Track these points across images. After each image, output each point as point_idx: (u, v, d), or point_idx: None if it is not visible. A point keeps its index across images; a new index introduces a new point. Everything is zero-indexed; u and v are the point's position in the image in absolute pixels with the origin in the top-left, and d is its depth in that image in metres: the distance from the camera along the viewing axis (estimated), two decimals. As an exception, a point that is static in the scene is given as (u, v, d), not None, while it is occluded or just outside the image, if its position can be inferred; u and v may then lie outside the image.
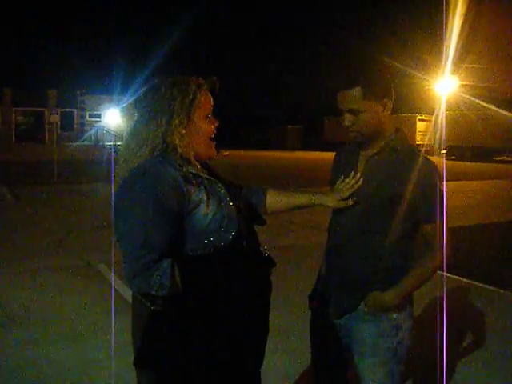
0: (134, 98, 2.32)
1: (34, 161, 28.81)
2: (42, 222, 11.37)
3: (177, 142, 2.15)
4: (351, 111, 2.52)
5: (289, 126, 56.60)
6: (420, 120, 39.18)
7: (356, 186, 2.49)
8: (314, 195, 2.58)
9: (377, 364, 2.57)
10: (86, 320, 5.57)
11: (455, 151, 36.09)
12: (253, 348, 2.26)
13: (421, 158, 2.51)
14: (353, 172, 2.55)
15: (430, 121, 38.38)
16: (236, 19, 70.85)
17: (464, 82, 34.95)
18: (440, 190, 2.51)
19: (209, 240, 2.10)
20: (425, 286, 2.59)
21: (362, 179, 2.51)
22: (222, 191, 2.18)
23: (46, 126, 42.11)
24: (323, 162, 34.47)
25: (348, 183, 2.51)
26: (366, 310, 2.54)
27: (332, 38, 62.12)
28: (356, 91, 2.49)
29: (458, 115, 36.46)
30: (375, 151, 2.58)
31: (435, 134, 34.84)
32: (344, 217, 2.60)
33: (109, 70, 42.49)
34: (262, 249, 2.28)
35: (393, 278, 2.53)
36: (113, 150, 37.24)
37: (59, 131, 41.27)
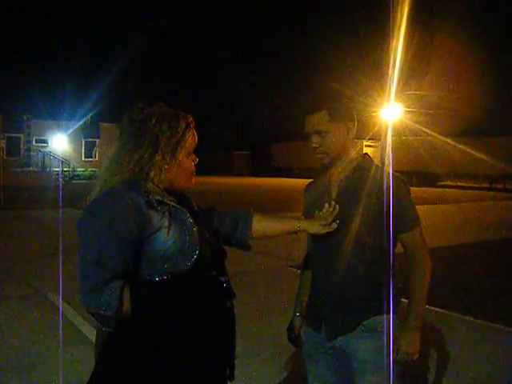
0: (120, 124, 2.32)
1: (-21, 187, 28.20)
2: (-12, 249, 11.12)
3: (152, 174, 2.18)
4: (318, 132, 2.64)
5: (236, 152, 56.83)
6: (366, 146, 39.85)
7: (335, 213, 2.51)
8: (299, 222, 2.59)
9: (379, 380, 2.60)
10: (36, 349, 5.46)
11: (403, 176, 36.48)
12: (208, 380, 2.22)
13: (389, 174, 2.63)
14: (329, 202, 2.58)
15: (376, 146, 39.07)
16: (183, 46, 71.04)
17: (409, 109, 35.75)
18: (411, 199, 2.68)
19: (167, 266, 2.10)
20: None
21: (337, 205, 2.53)
22: (189, 219, 2.18)
23: (-9, 152, 41.32)
24: (272, 187, 34.62)
25: (328, 211, 2.52)
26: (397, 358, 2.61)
27: (278, 64, 62.75)
28: (323, 114, 2.64)
29: (404, 141, 37.22)
30: (346, 173, 2.70)
31: (382, 159, 35.45)
32: (328, 240, 2.63)
33: (56, 95, 41.93)
34: (223, 279, 2.26)
35: (382, 292, 2.61)
36: (60, 175, 36.78)
37: (5, 156, 40.49)
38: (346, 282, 2.63)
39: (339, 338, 2.66)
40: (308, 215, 2.79)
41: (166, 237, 2.10)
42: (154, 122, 2.22)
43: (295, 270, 9.28)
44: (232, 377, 2.37)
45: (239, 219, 2.62)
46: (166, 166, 2.19)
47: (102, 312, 2.01)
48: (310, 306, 2.87)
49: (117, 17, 72.95)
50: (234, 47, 69.37)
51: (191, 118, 2.31)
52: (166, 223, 2.11)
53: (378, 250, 2.62)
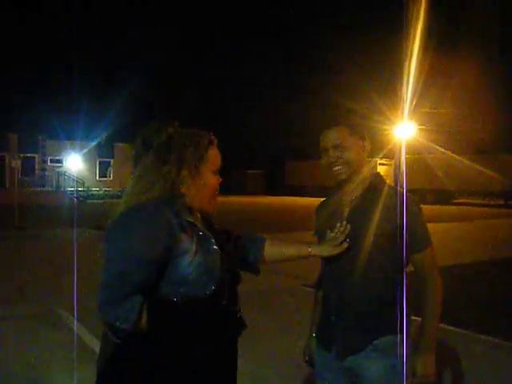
0: (141, 143, 2.37)
1: (-6, 206, 28.39)
2: (3, 268, 11.17)
3: (184, 191, 2.22)
4: (336, 147, 2.64)
5: (249, 171, 56.89)
6: (380, 164, 39.76)
7: (346, 232, 2.53)
8: (310, 246, 2.61)
9: None
10: (49, 369, 5.45)
11: (416, 195, 36.36)
12: None
13: (402, 194, 2.62)
14: (341, 221, 2.59)
15: (390, 165, 38.96)
16: (197, 64, 71.56)
17: (422, 127, 35.71)
18: (423, 219, 2.66)
19: (185, 289, 2.11)
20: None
21: (348, 225, 2.55)
22: (214, 247, 2.19)
23: (7, 171, 41.60)
24: (285, 206, 34.60)
25: (339, 230, 2.54)
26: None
27: (291, 81, 63.00)
28: (342, 129, 2.65)
29: (418, 159, 37.13)
30: (358, 193, 2.69)
31: (395, 177, 35.36)
32: (340, 260, 2.62)
33: (70, 115, 42.29)
34: (236, 309, 2.29)
35: (395, 311, 2.58)
36: (74, 195, 36.98)
37: (20, 176, 40.79)
38: (357, 301, 2.62)
39: (350, 358, 2.63)
40: (319, 235, 2.80)
41: (189, 262, 2.10)
42: (178, 138, 2.27)
43: (309, 289, 9.24)
44: None
45: (252, 243, 2.64)
46: (191, 182, 2.22)
47: (117, 324, 2.03)
48: (321, 325, 2.85)
49: (132, 38, 73.69)
50: (246, 64, 69.75)
51: (213, 137, 2.34)
52: (193, 248, 2.12)
53: (390, 270, 2.61)
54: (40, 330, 6.79)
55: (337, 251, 2.55)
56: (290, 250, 2.69)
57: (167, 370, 2.09)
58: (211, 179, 2.29)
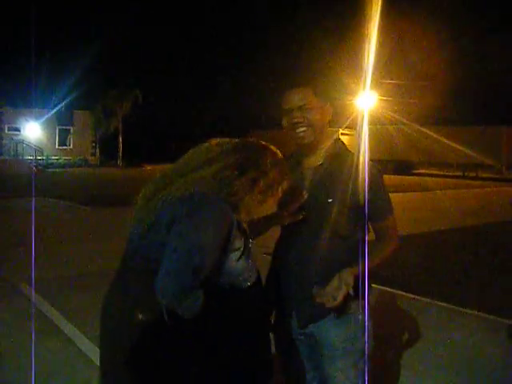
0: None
1: (-50, 175, 27.77)
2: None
3: (239, 207, 2.29)
4: (300, 108, 2.55)
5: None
6: (342, 134, 39.74)
7: (303, 201, 2.56)
8: None
9: (349, 366, 2.59)
10: (6, 341, 5.37)
11: (378, 165, 36.73)
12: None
13: (365, 162, 2.60)
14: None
15: (352, 135, 39.13)
16: (159, 34, 70.53)
17: (384, 97, 35.87)
18: (386, 189, 2.64)
19: (231, 280, 2.29)
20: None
21: (306, 194, 2.56)
22: (251, 247, 2.42)
23: (-38, 140, 40.75)
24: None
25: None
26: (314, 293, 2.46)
27: (253, 51, 62.64)
28: (306, 89, 2.56)
29: (379, 130, 37.40)
30: (320, 161, 2.64)
31: (358, 147, 35.49)
32: (302, 229, 2.62)
33: (29, 82, 41.39)
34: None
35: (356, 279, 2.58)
36: (33, 164, 36.38)
37: (-24, 145, 39.99)
38: (318, 271, 2.60)
39: (310, 325, 2.64)
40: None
41: (238, 257, 2.29)
42: (264, 160, 2.33)
43: (270, 257, 9.28)
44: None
45: None
46: (250, 201, 2.31)
47: (180, 312, 2.14)
48: (280, 294, 2.81)
49: (91, 3, 72.21)
50: (210, 36, 69.08)
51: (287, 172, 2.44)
52: (242, 247, 2.30)
53: (352, 239, 2.60)
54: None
55: (292, 220, 2.61)
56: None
57: (214, 350, 2.24)
58: (269, 209, 2.52)
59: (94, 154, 47.50)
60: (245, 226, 2.37)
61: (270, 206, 2.45)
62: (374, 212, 2.58)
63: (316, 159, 2.66)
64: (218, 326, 2.25)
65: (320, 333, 2.63)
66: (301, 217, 2.56)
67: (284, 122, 2.63)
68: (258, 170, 2.29)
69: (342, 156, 2.64)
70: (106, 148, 46.36)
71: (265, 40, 63.63)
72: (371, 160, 2.63)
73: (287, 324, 2.74)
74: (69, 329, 5.62)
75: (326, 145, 2.65)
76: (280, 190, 2.38)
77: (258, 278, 2.44)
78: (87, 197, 18.91)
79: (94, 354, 4.81)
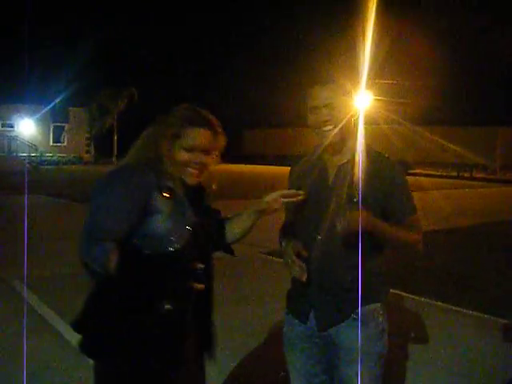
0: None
1: None
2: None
3: (163, 158, 2.43)
4: (329, 106, 2.49)
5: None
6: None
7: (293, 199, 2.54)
8: (250, 205, 2.71)
9: (365, 369, 2.54)
10: (-2, 338, 5.34)
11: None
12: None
13: (390, 162, 2.57)
14: (325, 187, 2.55)
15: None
16: (155, 31, 70.46)
17: (378, 97, 35.91)
18: (409, 188, 2.62)
19: (153, 243, 2.35)
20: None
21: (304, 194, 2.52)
22: (188, 213, 2.43)
23: (-44, 136, 40.56)
24: (244, 174, 34.71)
25: (288, 194, 2.57)
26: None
27: (250, 50, 62.62)
28: (334, 87, 2.51)
29: (375, 129, 37.44)
30: (345, 160, 2.57)
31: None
32: (323, 232, 2.55)
33: (24, 78, 41.24)
34: (200, 266, 2.42)
35: (376, 283, 2.59)
36: (27, 161, 36.29)
37: (-30, 141, 39.83)
38: (340, 273, 2.55)
39: (330, 329, 2.59)
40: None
41: (162, 220, 2.34)
42: (171, 116, 2.50)
43: (266, 256, 9.27)
44: (212, 355, 2.74)
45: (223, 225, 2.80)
46: (168, 154, 2.43)
47: (90, 264, 2.28)
48: (294, 294, 2.77)
49: (88, 1, 72.09)
50: (206, 33, 69.02)
51: (197, 115, 2.53)
52: (166, 210, 2.35)
53: (375, 239, 2.50)
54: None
55: (278, 205, 2.58)
56: (239, 219, 2.77)
57: (131, 312, 2.31)
58: (180, 156, 2.44)
59: (88, 152, 47.44)
60: (177, 190, 2.41)
61: (179, 155, 2.46)
62: (398, 211, 2.55)
63: (341, 157, 2.59)
64: (136, 286, 2.32)
65: (338, 336, 2.58)
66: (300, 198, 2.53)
67: (310, 119, 2.56)
68: (167, 123, 2.47)
69: (367, 154, 2.56)
70: (101, 145, 46.28)
71: (258, 40, 63.66)
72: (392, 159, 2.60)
73: (301, 327, 2.69)
74: (61, 326, 5.60)
75: (352, 143, 2.57)
76: (185, 133, 2.45)
77: (191, 245, 2.42)
78: (81, 194, 18.81)
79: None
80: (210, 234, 2.63)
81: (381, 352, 2.60)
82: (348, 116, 2.52)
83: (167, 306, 2.31)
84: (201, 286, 2.41)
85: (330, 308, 2.58)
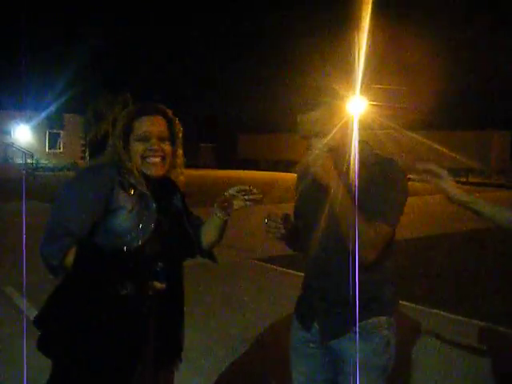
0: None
1: None
2: None
3: (121, 157, 2.46)
4: (318, 134, 2.41)
5: (201, 144, 56.43)
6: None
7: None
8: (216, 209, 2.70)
9: (368, 382, 2.50)
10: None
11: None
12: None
13: (393, 166, 2.49)
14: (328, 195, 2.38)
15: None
16: (150, 36, 70.46)
17: (373, 102, 35.93)
18: (402, 195, 2.48)
19: (114, 240, 2.39)
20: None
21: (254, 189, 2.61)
22: (153, 208, 2.45)
23: (-48, 143, 40.43)
24: (238, 179, 34.69)
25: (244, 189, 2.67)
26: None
27: (244, 56, 62.69)
28: (322, 112, 2.43)
29: (369, 135, 37.50)
30: (345, 166, 2.46)
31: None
32: (326, 241, 2.51)
33: (19, 85, 41.21)
34: (160, 264, 2.39)
35: (383, 292, 2.55)
36: (23, 168, 36.20)
37: (-35, 148, 39.71)
38: (344, 284, 2.46)
39: (332, 340, 2.57)
40: (300, 205, 2.72)
41: (124, 217, 2.38)
42: (110, 111, 2.73)
43: (260, 263, 9.26)
44: (179, 358, 2.67)
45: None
46: (123, 150, 2.47)
47: (48, 260, 2.32)
48: (300, 301, 2.75)
49: (82, 7, 72.04)
50: (201, 39, 69.06)
51: (144, 106, 2.55)
52: (130, 206, 2.38)
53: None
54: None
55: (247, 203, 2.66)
56: (207, 224, 2.76)
57: (87, 308, 2.38)
58: (135, 146, 2.47)
59: (83, 158, 47.31)
60: (140, 186, 2.44)
61: (134, 147, 2.50)
62: (372, 207, 2.38)
63: (341, 162, 2.48)
64: (92, 282, 2.38)
65: (342, 348, 2.54)
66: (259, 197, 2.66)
67: (305, 145, 2.48)
68: (118, 121, 2.52)
69: (365, 157, 2.49)
70: (96, 151, 46.01)
71: (255, 45, 63.76)
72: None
73: (305, 335, 2.67)
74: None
75: (348, 149, 2.47)
76: (136, 125, 2.48)
77: (155, 240, 2.45)
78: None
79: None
80: (180, 233, 2.61)
81: (385, 365, 2.55)
82: (340, 135, 2.44)
83: (124, 291, 2.34)
84: (160, 286, 2.37)
85: (332, 319, 2.56)
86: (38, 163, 41.55)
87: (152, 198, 2.46)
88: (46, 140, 47.17)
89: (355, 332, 2.49)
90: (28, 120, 42.82)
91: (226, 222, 2.71)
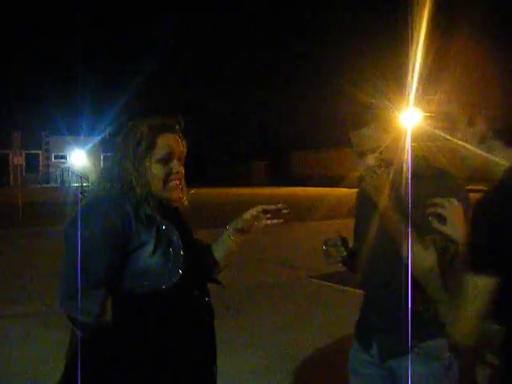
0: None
1: (-2, 204, 28.28)
2: (6, 266, 11.07)
3: (133, 183, 2.14)
4: (374, 150, 2.36)
5: (255, 162, 56.66)
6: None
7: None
8: (227, 229, 2.47)
9: None
10: (50, 369, 5.30)
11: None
12: None
13: (452, 181, 2.41)
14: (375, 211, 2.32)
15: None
16: (199, 56, 71.46)
17: (427, 114, 35.47)
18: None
19: (148, 281, 2.08)
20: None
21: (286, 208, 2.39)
22: (175, 237, 2.16)
23: (11, 169, 41.58)
24: (292, 196, 34.74)
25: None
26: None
27: (295, 72, 62.88)
28: (376, 127, 2.38)
29: (423, 147, 36.91)
30: (400, 179, 2.38)
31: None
32: (385, 255, 2.40)
33: (74, 110, 42.20)
34: (206, 298, 2.26)
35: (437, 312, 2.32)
36: (78, 191, 36.91)
37: (24, 173, 40.78)
38: (402, 302, 2.35)
39: (391, 360, 2.46)
40: (357, 224, 2.63)
41: (150, 253, 2.07)
42: (122, 133, 2.27)
43: (317, 281, 9.12)
44: None
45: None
46: (136, 173, 2.14)
47: (80, 318, 2.03)
48: (359, 321, 2.66)
49: (134, 34, 73.67)
50: (251, 56, 69.73)
51: (158, 122, 2.24)
52: (153, 240, 2.08)
53: (439, 265, 2.22)
54: (42, 329, 6.67)
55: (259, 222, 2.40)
56: (217, 245, 2.51)
57: (134, 363, 2.07)
58: (155, 169, 2.18)
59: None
60: (158, 216, 2.14)
61: (154, 169, 2.18)
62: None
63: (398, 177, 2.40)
64: (138, 334, 2.08)
65: (401, 369, 2.43)
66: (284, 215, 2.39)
67: (360, 163, 2.43)
68: (133, 139, 2.20)
69: (422, 172, 2.44)
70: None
71: (305, 59, 63.91)
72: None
73: (364, 356, 2.57)
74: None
75: (406, 165, 2.42)
76: (157, 143, 2.18)
77: (188, 276, 2.16)
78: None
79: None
80: (201, 257, 2.39)
81: None
82: (395, 150, 2.39)
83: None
84: (209, 324, 2.26)
85: (391, 339, 2.44)
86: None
87: (172, 227, 2.18)
88: (101, 163, 48.14)
89: (415, 353, 2.38)
90: (83, 144, 43.81)
91: (237, 245, 2.49)
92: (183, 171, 2.26)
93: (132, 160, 2.16)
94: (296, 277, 9.60)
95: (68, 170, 43.56)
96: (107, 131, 44.18)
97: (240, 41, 75.44)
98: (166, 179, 2.19)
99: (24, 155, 41.39)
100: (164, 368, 2.09)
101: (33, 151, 44.37)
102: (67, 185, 42.07)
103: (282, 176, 53.90)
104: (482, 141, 2.13)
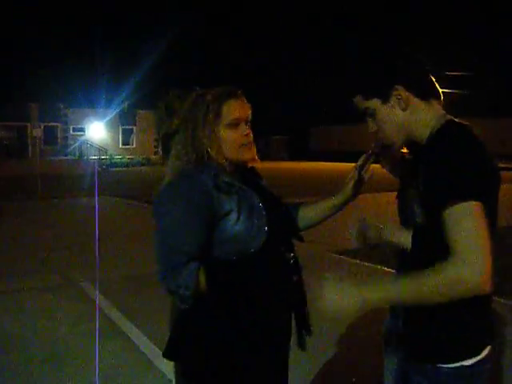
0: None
1: (17, 176, 28.43)
2: (25, 239, 11.13)
3: (209, 150, 2.24)
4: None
5: (274, 137, 56.52)
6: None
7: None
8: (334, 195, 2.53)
9: None
10: (69, 343, 5.32)
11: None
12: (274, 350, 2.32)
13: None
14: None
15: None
16: (220, 32, 70.95)
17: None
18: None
19: (236, 247, 2.16)
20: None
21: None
22: (257, 201, 2.23)
23: (29, 141, 41.70)
24: (310, 171, 34.56)
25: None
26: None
27: (315, 48, 62.34)
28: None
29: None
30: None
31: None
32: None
33: (92, 83, 42.10)
34: (291, 255, 2.32)
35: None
36: (97, 163, 37.06)
37: (42, 146, 40.88)
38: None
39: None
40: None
41: (235, 220, 2.14)
42: (190, 104, 2.32)
43: (335, 255, 9.07)
44: (304, 347, 2.55)
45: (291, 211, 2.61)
46: (209, 141, 2.23)
47: (180, 291, 2.09)
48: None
49: (154, 6, 73.24)
50: (270, 33, 69.15)
51: (220, 91, 2.30)
52: (236, 207, 2.15)
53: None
54: (62, 303, 6.69)
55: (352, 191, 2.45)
56: (319, 206, 2.59)
57: (236, 324, 2.17)
58: (226, 134, 2.26)
59: (156, 153, 48.15)
60: (236, 182, 2.21)
61: (226, 135, 2.25)
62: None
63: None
64: (232, 298, 2.18)
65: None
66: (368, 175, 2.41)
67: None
68: (200, 109, 2.28)
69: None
70: (168, 146, 46.69)
71: (322, 37, 63.33)
72: None
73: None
74: (131, 330, 5.56)
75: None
76: (225, 109, 2.25)
77: (274, 236, 2.20)
78: (150, 195, 19.04)
79: (155, 356, 4.73)
80: (285, 216, 2.45)
81: None
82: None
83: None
84: (297, 278, 2.33)
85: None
86: (111, 159, 42.45)
87: (251, 191, 2.24)
88: (119, 136, 48.19)
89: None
90: (101, 117, 43.80)
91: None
92: (251, 133, 2.33)
93: (203, 129, 2.25)
94: (315, 251, 9.53)
95: (86, 142, 43.62)
96: (125, 104, 44.22)
97: (269, 8, 74.68)
98: (238, 142, 2.27)
99: (42, 128, 41.48)
100: (261, 326, 2.20)
101: (51, 124, 44.42)
102: (85, 157, 42.18)
103: (301, 151, 53.77)
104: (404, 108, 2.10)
